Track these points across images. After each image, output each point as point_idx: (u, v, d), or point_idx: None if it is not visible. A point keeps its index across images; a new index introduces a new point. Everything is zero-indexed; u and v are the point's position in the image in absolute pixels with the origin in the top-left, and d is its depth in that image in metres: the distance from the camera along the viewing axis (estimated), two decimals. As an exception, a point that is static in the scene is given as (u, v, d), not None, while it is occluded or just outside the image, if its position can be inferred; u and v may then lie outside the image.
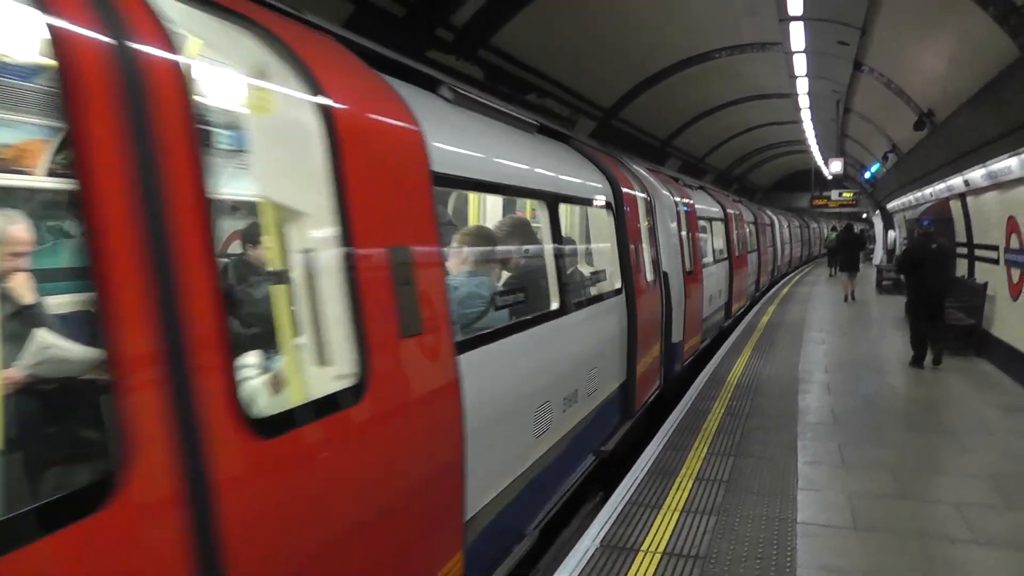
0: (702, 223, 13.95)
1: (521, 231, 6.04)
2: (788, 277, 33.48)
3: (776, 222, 31.43)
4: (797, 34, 14.89)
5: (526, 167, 5.68)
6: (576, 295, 6.41)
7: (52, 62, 1.91)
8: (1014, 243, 11.43)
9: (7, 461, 2.35)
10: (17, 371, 2.75)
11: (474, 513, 4.13)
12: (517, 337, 4.89)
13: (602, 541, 5.39)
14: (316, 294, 3.02)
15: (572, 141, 7.98)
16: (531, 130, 6.55)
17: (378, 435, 3.19)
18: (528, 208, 7.37)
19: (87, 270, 1.96)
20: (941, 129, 14.92)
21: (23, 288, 3.17)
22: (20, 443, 2.42)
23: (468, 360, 3.98)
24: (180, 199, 2.23)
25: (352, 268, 3.02)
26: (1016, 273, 11.38)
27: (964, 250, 14.98)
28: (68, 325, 2.80)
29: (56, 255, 3.76)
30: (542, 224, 5.99)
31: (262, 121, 3.02)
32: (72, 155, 1.94)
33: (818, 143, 32.40)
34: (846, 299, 21.82)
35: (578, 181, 6.89)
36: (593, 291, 7.07)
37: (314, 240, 3.02)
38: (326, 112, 3.03)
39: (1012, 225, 11.46)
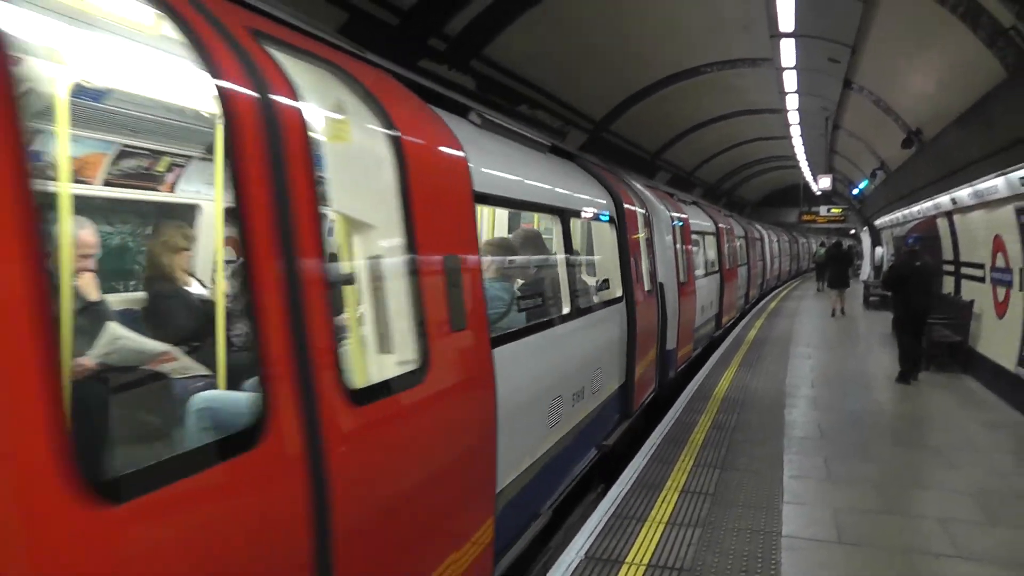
0: (695, 237, 14.45)
1: (534, 242, 6.70)
2: (776, 291, 33.58)
3: (765, 237, 31.65)
4: (788, 51, 14.96)
5: (546, 186, 6.44)
6: (584, 301, 7.06)
7: (219, 109, 2.55)
8: (1000, 262, 11.50)
9: (199, 415, 3.20)
10: (89, 359, 3.42)
11: (502, 487, 4.76)
12: (536, 336, 5.57)
13: (587, 553, 5.37)
14: (392, 293, 3.69)
15: (578, 159, 8.68)
16: (544, 150, 7.31)
17: (436, 410, 3.86)
18: (536, 221, 7.87)
19: (245, 268, 2.55)
20: (929, 148, 15.03)
21: (91, 286, 3.74)
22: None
23: (499, 353, 4.63)
24: (302, 214, 2.83)
25: (417, 273, 3.71)
26: (1002, 291, 11.45)
27: (951, 268, 15.08)
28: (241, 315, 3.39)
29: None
30: (555, 236, 6.70)
31: (352, 150, 3.60)
32: (234, 178, 2.56)
33: (807, 159, 32.53)
34: (833, 313, 21.99)
35: (587, 198, 7.56)
36: (598, 298, 7.75)
37: (389, 249, 3.67)
38: (397, 143, 3.70)
39: (998, 244, 11.54)
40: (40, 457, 1.74)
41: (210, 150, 3.84)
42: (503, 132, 6.13)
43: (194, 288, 4.78)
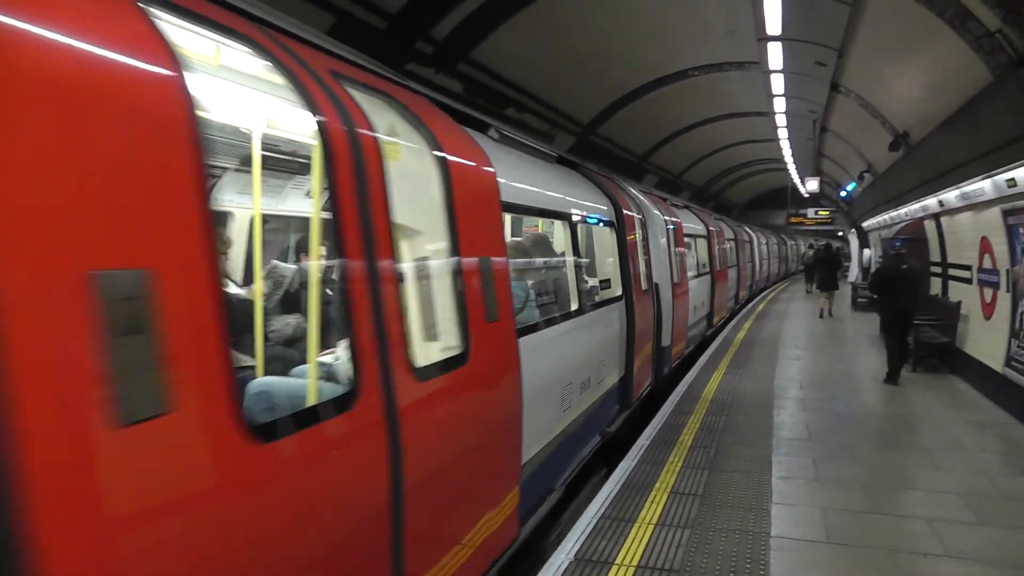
0: (688, 240, 15.04)
1: (543, 244, 7.34)
2: (765, 293, 33.66)
3: (755, 239, 31.78)
4: (775, 54, 15.01)
5: (558, 195, 7.14)
6: (590, 299, 7.76)
7: (318, 139, 3.19)
8: (987, 263, 11.57)
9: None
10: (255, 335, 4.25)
11: (526, 460, 5.39)
12: (550, 329, 6.26)
13: (576, 555, 5.37)
14: (441, 289, 4.39)
15: (580, 168, 9.31)
16: (551, 160, 8.08)
17: (475, 389, 4.53)
18: (540, 224, 8.39)
19: (343, 268, 3.22)
20: (916, 150, 15.09)
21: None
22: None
23: (523, 343, 5.29)
24: (379, 223, 3.49)
25: (460, 272, 4.40)
26: (989, 293, 11.52)
27: (938, 270, 15.15)
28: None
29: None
30: (564, 239, 7.43)
31: (409, 167, 4.22)
32: (330, 193, 3.22)
33: (795, 162, 32.63)
34: (821, 315, 22.12)
35: (592, 205, 8.31)
36: (601, 297, 8.43)
37: (437, 251, 4.36)
38: (444, 161, 4.39)
39: (985, 246, 11.60)
40: (223, 413, 2.44)
41: (308, 170, 4.42)
42: (517, 145, 6.84)
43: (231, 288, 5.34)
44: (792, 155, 30.84)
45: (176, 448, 2.26)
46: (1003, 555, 5.48)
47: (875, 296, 13.48)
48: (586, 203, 8.08)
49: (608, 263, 9.07)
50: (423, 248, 4.39)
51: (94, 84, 2.12)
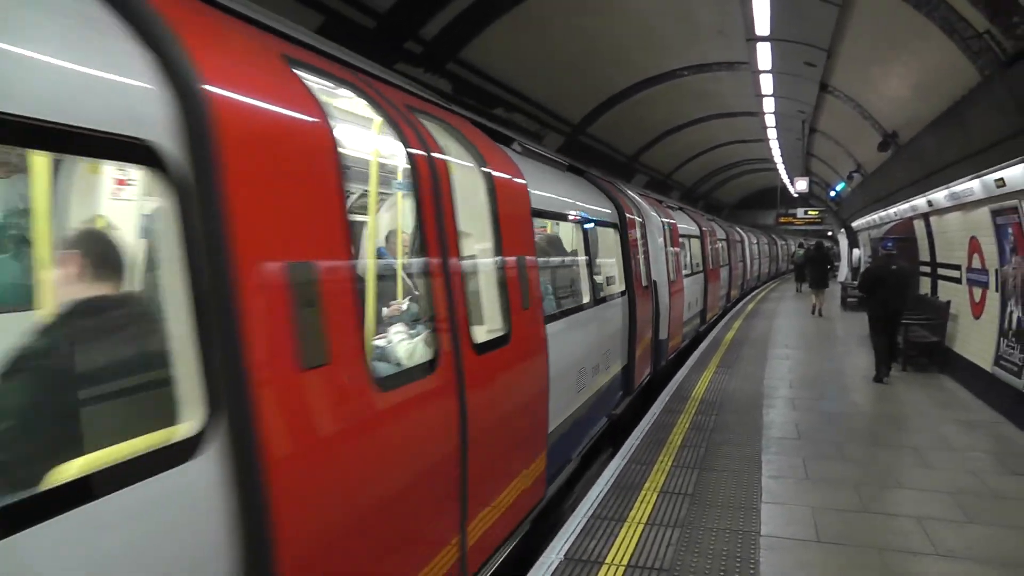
0: (682, 240, 15.64)
1: (556, 244, 8.04)
2: (755, 292, 33.72)
3: (745, 239, 31.93)
4: (764, 54, 15.06)
5: (572, 200, 8.06)
6: (598, 293, 8.50)
7: (407, 163, 4.12)
8: (976, 263, 11.62)
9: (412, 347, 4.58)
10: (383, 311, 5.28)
11: (551, 430, 6.23)
12: (569, 318, 7.13)
13: (566, 554, 5.36)
14: (489, 281, 5.18)
15: (586, 174, 10.11)
16: (563, 168, 9.03)
17: (515, 364, 5.35)
18: (549, 226, 8.74)
19: (426, 264, 4.18)
20: (905, 151, 15.15)
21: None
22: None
23: (549, 328, 6.12)
24: (448, 228, 4.37)
25: (503, 267, 5.25)
26: (978, 292, 11.57)
27: (927, 269, 15.20)
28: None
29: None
30: (577, 239, 8.37)
31: (467, 181, 5.02)
32: (416, 205, 4.15)
33: (784, 162, 32.74)
34: (814, 311, 22.34)
35: (599, 209, 9.21)
36: (607, 291, 9.13)
37: (485, 250, 5.18)
38: (489, 176, 5.26)
39: (974, 245, 11.65)
40: (360, 367, 3.28)
41: (403, 187, 5.43)
42: (535, 156, 7.79)
43: None
44: (781, 155, 30.96)
45: (331, 388, 3.09)
46: (993, 553, 5.49)
47: (865, 295, 13.54)
48: (595, 207, 8.97)
49: (613, 262, 9.75)
50: (476, 248, 5.14)
51: (286, 134, 3.02)
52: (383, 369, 3.98)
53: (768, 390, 11.25)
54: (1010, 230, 9.84)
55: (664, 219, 13.50)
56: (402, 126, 4.14)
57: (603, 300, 8.61)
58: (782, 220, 38.18)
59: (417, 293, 5.06)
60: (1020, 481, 7.19)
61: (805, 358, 14.77)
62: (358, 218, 7.01)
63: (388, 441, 3.53)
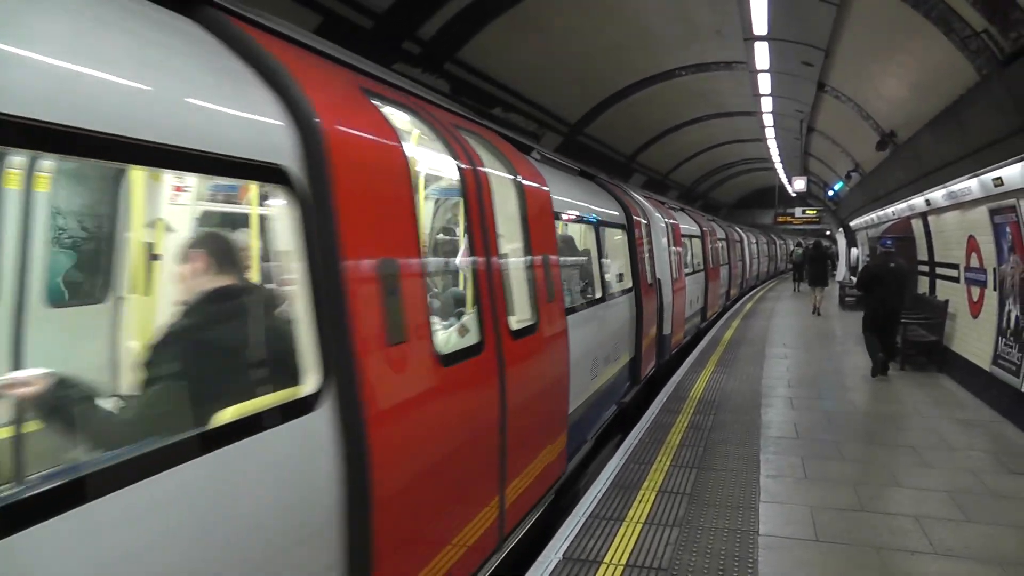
0: (684, 240, 16.28)
1: (570, 243, 8.55)
2: (754, 291, 33.71)
3: (744, 239, 32.00)
4: (762, 54, 15.07)
5: (586, 204, 8.77)
6: (610, 289, 9.12)
7: (459, 176, 4.79)
8: (974, 262, 11.62)
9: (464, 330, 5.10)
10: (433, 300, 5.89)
11: (571, 411, 6.81)
12: (585, 311, 7.75)
13: (564, 554, 5.35)
14: (520, 276, 5.75)
15: (596, 178, 10.87)
16: (575, 173, 9.88)
17: (543, 349, 5.95)
18: (561, 227, 9.04)
19: (474, 262, 4.88)
20: (903, 150, 15.13)
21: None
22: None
23: (568, 320, 6.70)
24: (490, 230, 5.11)
25: (532, 265, 5.87)
26: (976, 291, 11.57)
27: (925, 268, 15.20)
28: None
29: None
30: (591, 240, 8.91)
31: (502, 188, 5.61)
32: (466, 212, 4.90)
33: (782, 161, 32.74)
34: (814, 310, 22.43)
35: (609, 211, 9.80)
36: (617, 288, 9.68)
37: (516, 250, 5.74)
38: (520, 184, 5.93)
39: (972, 244, 11.66)
40: (428, 345, 3.91)
41: (453, 195, 6.36)
42: (552, 163, 8.53)
43: None
44: (779, 155, 30.96)
45: (408, 361, 3.69)
46: (991, 552, 5.50)
47: (862, 293, 13.56)
48: (606, 210, 9.60)
49: (620, 260, 10.30)
50: (509, 247, 5.66)
51: (374, 155, 3.65)
52: (443, 348, 4.36)
53: (766, 389, 11.26)
54: (1008, 229, 9.84)
55: (667, 220, 13.99)
56: (451, 143, 4.84)
57: (613, 296, 9.20)
58: (780, 220, 38.22)
59: (467, 285, 5.65)
60: (1018, 480, 7.20)
61: (803, 357, 14.79)
62: (424, 222, 7.74)
63: (449, 407, 4.15)
